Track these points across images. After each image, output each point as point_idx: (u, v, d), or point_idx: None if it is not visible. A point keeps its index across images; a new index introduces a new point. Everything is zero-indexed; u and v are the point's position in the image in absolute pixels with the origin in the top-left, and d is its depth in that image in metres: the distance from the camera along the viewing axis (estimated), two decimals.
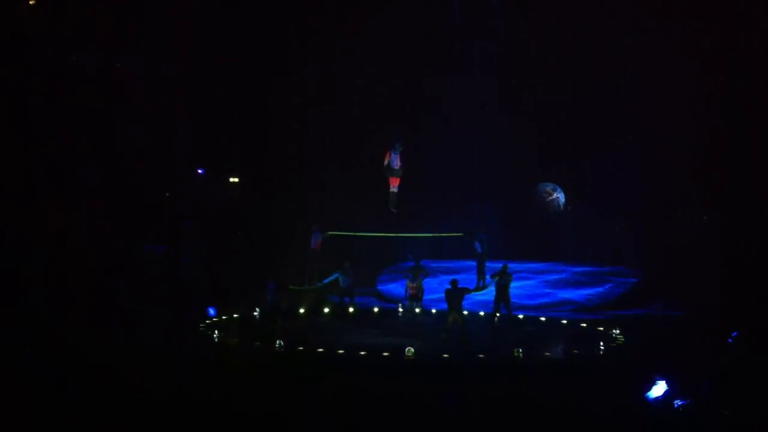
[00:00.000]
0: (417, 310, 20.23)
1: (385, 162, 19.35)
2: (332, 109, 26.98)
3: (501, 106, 26.66)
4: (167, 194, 25.84)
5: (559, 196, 27.31)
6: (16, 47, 21.90)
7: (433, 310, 20.79)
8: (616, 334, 17.28)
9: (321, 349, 15.51)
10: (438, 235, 20.98)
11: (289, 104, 26.76)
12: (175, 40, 24.66)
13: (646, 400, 12.26)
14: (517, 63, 26.67)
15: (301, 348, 15.66)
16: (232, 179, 27.71)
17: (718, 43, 23.41)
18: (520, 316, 20.17)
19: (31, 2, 22.56)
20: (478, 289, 20.36)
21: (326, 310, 20.84)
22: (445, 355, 15.07)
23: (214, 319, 18.87)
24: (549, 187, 27.30)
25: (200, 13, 25.03)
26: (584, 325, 19.10)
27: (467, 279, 20.51)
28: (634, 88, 25.22)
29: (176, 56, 25.18)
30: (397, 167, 19.40)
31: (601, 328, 18.24)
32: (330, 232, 20.73)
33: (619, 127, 25.71)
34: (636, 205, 25.13)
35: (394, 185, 19.70)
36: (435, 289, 21.41)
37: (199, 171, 26.79)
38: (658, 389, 12.34)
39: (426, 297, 20.80)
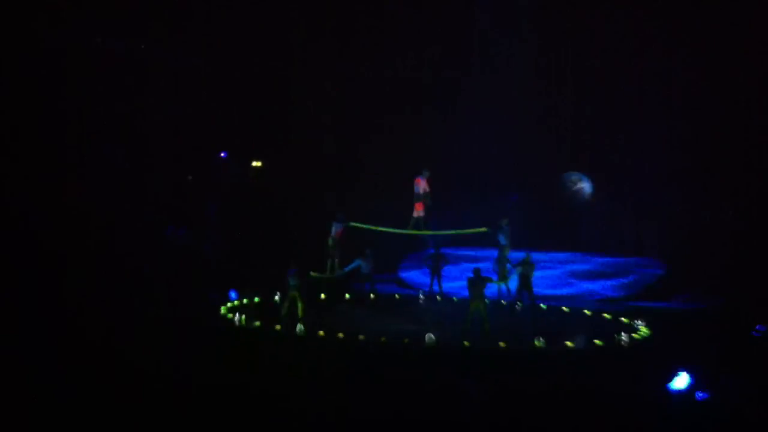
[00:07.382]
0: (438, 298, 20.25)
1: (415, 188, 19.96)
2: (356, 98, 26.80)
3: (526, 95, 26.23)
4: (190, 177, 25.86)
5: (586, 185, 26.94)
6: (46, 30, 21.88)
7: (455, 299, 20.68)
8: (640, 326, 17.08)
9: (341, 335, 15.48)
10: (462, 231, 20.91)
11: (313, 90, 26.61)
12: (200, 25, 24.61)
13: (668, 391, 12.13)
14: (542, 53, 26.27)
15: (321, 333, 15.65)
16: (254, 163, 27.68)
17: None
18: (543, 306, 19.97)
19: None
20: (500, 280, 20.22)
21: (347, 296, 20.81)
22: (466, 343, 14.97)
23: (236, 303, 18.94)
24: (575, 177, 26.94)
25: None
26: (608, 316, 18.87)
27: (489, 268, 20.36)
28: (662, 74, 24.64)
29: (201, 41, 25.07)
30: (421, 192, 19.58)
31: (625, 320, 18.03)
32: (351, 223, 20.70)
33: (644, 115, 25.12)
34: (662, 195, 24.67)
35: (418, 210, 20.02)
36: (457, 276, 21.31)
37: (222, 155, 26.80)
38: (681, 381, 12.20)
39: (448, 285, 20.68)
